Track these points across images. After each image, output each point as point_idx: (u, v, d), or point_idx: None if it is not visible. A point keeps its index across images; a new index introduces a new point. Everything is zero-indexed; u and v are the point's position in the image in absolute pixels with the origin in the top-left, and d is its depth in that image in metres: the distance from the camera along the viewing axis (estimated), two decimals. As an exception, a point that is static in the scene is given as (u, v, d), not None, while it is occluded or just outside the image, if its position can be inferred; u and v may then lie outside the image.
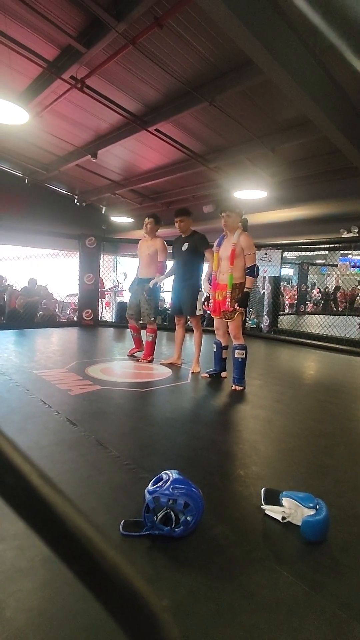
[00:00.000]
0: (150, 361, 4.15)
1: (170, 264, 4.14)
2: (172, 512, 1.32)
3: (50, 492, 0.24)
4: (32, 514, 0.25)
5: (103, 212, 9.54)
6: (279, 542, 1.40)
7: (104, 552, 0.24)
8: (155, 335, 4.20)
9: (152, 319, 4.17)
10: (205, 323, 6.27)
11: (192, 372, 3.76)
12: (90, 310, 6.68)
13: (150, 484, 1.41)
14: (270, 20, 2.41)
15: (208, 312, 3.92)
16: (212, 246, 3.55)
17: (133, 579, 0.24)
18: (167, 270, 4.15)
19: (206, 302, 3.64)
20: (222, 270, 3.35)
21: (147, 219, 4.16)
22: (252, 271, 3.22)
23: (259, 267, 3.37)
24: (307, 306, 12.09)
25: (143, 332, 4.36)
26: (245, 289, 3.25)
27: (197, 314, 3.81)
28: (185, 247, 3.82)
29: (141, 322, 4.30)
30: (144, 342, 4.23)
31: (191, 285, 3.82)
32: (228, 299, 3.26)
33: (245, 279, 3.24)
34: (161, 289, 4.34)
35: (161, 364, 4.08)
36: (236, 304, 3.25)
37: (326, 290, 13.30)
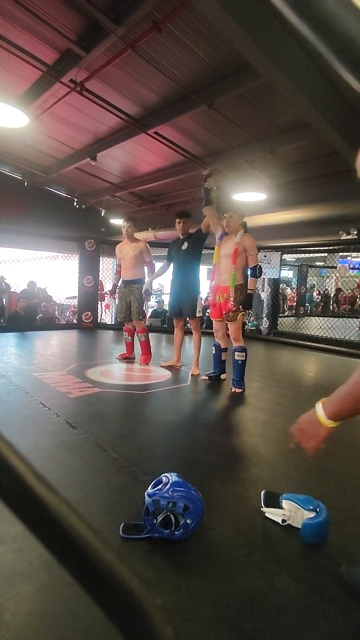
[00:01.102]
0: (147, 363, 4.16)
1: (158, 265, 4.18)
2: (171, 515, 1.32)
3: (45, 492, 0.25)
4: (28, 514, 0.25)
5: (102, 215, 9.56)
6: (279, 545, 1.40)
7: (98, 551, 0.25)
8: (147, 334, 4.22)
9: (141, 317, 4.19)
10: (204, 325, 6.27)
11: (192, 375, 3.76)
12: (89, 313, 6.68)
13: (150, 486, 1.41)
14: (269, 24, 2.43)
15: (208, 311, 3.92)
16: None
17: (127, 578, 0.25)
18: (156, 271, 4.19)
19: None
20: (221, 271, 3.34)
21: (126, 222, 4.15)
22: (255, 272, 3.22)
23: (261, 268, 3.37)
24: (307, 308, 12.09)
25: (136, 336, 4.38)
26: (249, 291, 3.25)
27: (197, 315, 3.81)
28: (185, 246, 3.82)
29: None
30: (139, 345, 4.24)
31: (190, 286, 3.82)
32: (231, 299, 3.25)
33: (247, 280, 3.25)
34: (160, 291, 4.35)
35: (161, 366, 4.08)
36: (240, 306, 3.25)
37: (326, 292, 13.32)
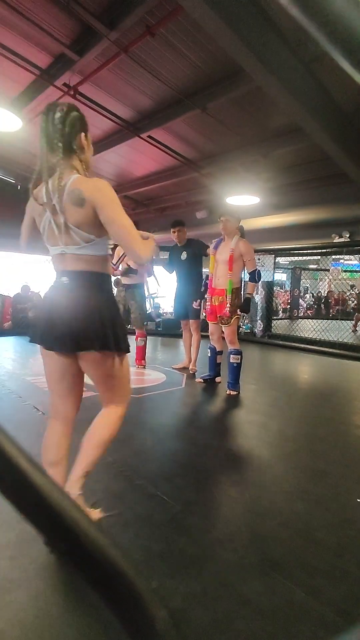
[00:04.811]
0: (144, 366, 4.16)
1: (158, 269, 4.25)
2: None
3: (38, 476, 0.25)
4: (20, 498, 0.25)
5: (97, 219, 9.54)
6: (275, 547, 1.40)
7: (90, 534, 0.25)
8: (145, 339, 4.25)
9: (144, 323, 4.23)
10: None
11: (190, 370, 3.88)
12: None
13: None
14: (261, 30, 2.45)
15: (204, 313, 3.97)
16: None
17: (120, 561, 0.25)
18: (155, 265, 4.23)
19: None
20: (218, 275, 3.34)
21: None
22: (254, 276, 3.22)
23: (260, 273, 3.34)
24: (299, 310, 12.16)
25: (131, 339, 4.38)
26: (247, 295, 3.26)
27: (200, 318, 3.94)
28: (184, 256, 3.94)
29: (130, 327, 4.32)
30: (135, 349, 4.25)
31: (195, 290, 3.94)
32: (227, 305, 3.25)
33: (242, 284, 3.27)
34: (155, 295, 4.39)
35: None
36: (238, 310, 3.26)
37: (318, 295, 13.40)
